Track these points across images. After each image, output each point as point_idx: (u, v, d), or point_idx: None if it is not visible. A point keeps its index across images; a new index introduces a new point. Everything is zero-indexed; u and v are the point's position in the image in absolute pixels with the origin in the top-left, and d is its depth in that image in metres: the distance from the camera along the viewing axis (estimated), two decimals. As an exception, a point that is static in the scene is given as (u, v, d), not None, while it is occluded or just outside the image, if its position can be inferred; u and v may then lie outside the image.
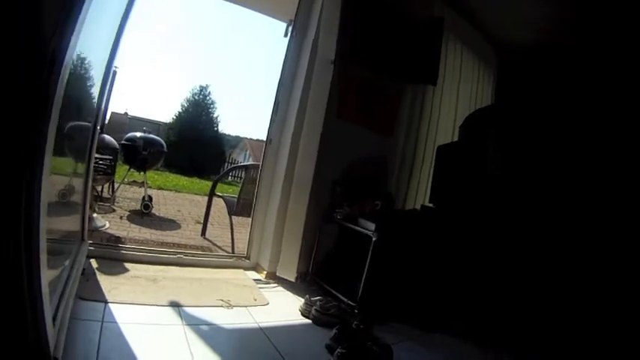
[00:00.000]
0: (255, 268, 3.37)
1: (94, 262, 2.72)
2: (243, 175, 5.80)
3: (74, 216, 2.52)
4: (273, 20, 4.54)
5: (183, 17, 39.60)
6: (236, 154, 23.65)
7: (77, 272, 2.12)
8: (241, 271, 3.27)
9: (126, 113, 20.54)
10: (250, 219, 3.52)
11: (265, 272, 3.23)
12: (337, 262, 3.22)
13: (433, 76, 3.88)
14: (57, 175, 1.78)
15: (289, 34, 3.45)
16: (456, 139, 3.88)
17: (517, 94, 4.33)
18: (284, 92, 3.40)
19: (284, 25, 3.66)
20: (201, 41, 37.78)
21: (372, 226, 2.80)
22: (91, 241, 2.88)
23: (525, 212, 2.94)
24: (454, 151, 3.42)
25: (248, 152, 24.16)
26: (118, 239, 3.73)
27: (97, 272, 2.58)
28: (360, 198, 3.20)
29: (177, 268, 3.01)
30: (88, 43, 1.74)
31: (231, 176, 14.97)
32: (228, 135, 22.16)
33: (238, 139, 25.84)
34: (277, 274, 3.19)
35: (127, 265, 2.84)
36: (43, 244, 1.19)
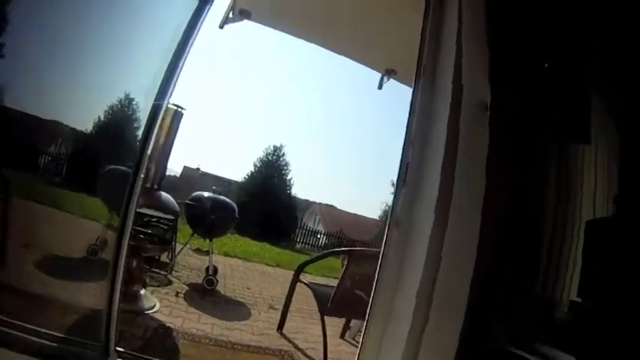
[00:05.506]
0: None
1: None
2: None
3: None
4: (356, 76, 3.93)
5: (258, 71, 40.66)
6: (306, 218, 23.00)
7: None
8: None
9: (198, 168, 20.89)
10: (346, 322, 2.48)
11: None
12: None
13: (585, 133, 2.80)
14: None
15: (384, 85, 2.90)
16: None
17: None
18: (414, 154, 2.37)
19: (369, 77, 2.92)
20: (274, 98, 38.61)
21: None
22: (121, 349, 1.92)
23: None
24: (613, 228, 2.23)
25: (318, 217, 23.49)
26: (166, 333, 2.85)
27: None
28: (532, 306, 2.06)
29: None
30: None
31: (301, 243, 14.06)
32: (298, 198, 21.90)
33: (308, 203, 25.25)
34: None
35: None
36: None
